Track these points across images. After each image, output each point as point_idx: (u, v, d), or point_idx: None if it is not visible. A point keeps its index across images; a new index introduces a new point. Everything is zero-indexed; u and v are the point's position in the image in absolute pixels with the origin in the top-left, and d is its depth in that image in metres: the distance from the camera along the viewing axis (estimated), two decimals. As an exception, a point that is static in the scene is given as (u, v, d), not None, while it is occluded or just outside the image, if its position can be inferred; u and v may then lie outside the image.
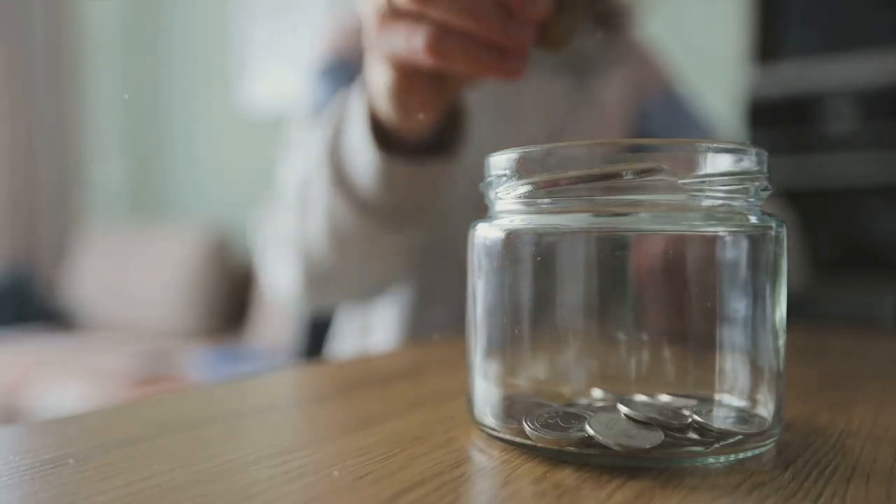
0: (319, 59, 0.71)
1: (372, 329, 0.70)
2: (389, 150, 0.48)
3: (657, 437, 0.23)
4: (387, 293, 0.66)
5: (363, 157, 0.49)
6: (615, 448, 0.23)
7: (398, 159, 0.48)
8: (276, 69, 2.53)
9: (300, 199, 0.56)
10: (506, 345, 0.27)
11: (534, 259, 0.26)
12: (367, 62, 0.45)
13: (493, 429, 0.26)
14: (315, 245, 0.57)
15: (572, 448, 0.24)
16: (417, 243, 0.60)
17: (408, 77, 0.41)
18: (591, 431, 0.23)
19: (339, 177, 0.52)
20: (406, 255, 0.60)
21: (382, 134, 0.48)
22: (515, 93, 0.70)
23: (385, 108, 0.45)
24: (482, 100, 0.72)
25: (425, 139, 0.49)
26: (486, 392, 0.27)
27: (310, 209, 0.55)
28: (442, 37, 0.35)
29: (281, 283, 0.65)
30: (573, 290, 0.25)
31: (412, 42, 0.36)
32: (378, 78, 0.43)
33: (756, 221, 0.25)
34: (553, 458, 0.24)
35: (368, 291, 0.65)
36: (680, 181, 0.24)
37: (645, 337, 0.26)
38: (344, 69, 0.68)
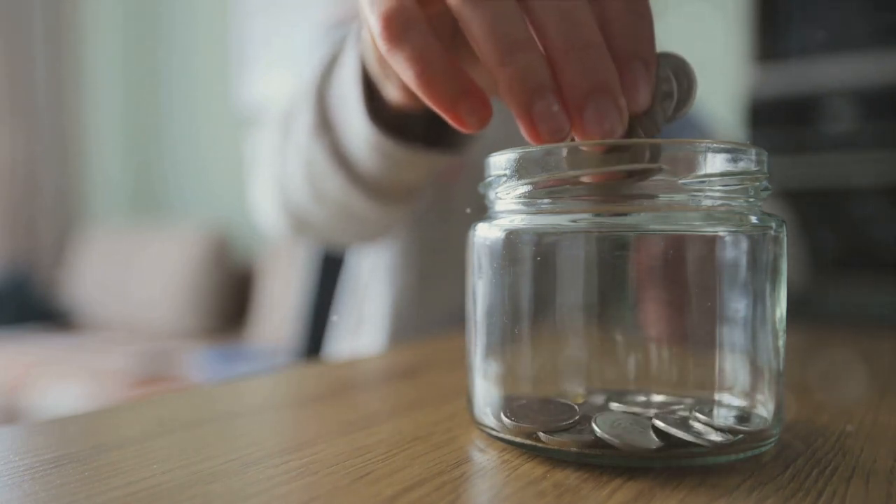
0: (322, 26, 0.69)
1: (365, 327, 0.70)
2: (382, 117, 0.41)
3: (662, 437, 0.23)
4: (376, 245, 0.63)
5: (354, 121, 0.42)
6: (623, 448, 0.23)
7: (391, 132, 0.41)
8: (275, 69, 2.53)
9: (282, 133, 0.51)
10: (506, 345, 0.27)
11: (534, 259, 0.26)
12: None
13: (493, 429, 0.26)
14: (293, 186, 0.53)
15: (573, 448, 0.24)
16: (401, 217, 0.54)
17: None
18: (598, 431, 0.23)
19: (324, 123, 0.46)
20: (388, 222, 0.54)
21: (374, 93, 0.40)
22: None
23: (377, 78, 0.38)
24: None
25: (421, 121, 0.42)
26: (486, 392, 0.27)
27: (290, 149, 0.50)
28: (407, 20, 0.26)
29: (266, 214, 0.61)
30: (573, 290, 0.25)
31: (374, 8, 0.27)
32: (365, 33, 0.36)
33: (756, 221, 0.25)
34: (553, 458, 0.24)
35: (350, 242, 0.61)
36: (680, 181, 0.24)
37: (645, 337, 0.26)
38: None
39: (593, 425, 0.24)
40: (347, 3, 0.73)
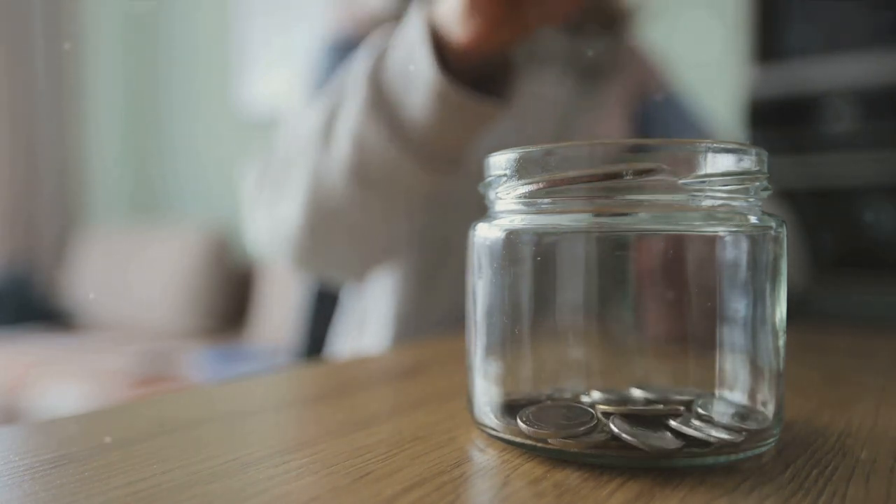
0: (325, 36, 0.70)
1: (368, 327, 0.70)
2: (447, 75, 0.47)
3: (678, 437, 0.23)
4: (378, 267, 0.63)
5: (415, 79, 0.48)
6: (643, 449, 0.23)
7: (455, 83, 0.47)
8: (275, 69, 2.54)
9: (324, 130, 0.54)
10: (506, 345, 0.27)
11: (534, 259, 0.26)
12: None
13: (493, 429, 0.26)
14: (333, 180, 0.54)
15: (573, 448, 0.24)
16: (423, 210, 0.57)
17: None
18: (615, 430, 0.23)
19: (379, 101, 0.50)
20: (417, 213, 0.57)
21: (440, 58, 0.47)
22: (521, 94, 0.70)
23: (453, 23, 0.45)
24: None
25: (480, 75, 0.48)
26: (486, 392, 0.27)
27: (334, 139, 0.53)
28: None
29: (267, 236, 0.62)
30: (573, 290, 0.25)
31: None
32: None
33: (756, 221, 0.25)
34: (553, 457, 0.24)
35: (367, 251, 0.62)
36: (680, 181, 0.24)
37: (645, 337, 0.26)
38: (351, 49, 0.68)
39: (611, 426, 0.23)
40: (345, 7, 0.74)
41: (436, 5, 0.48)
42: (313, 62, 0.69)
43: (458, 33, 0.46)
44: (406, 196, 0.56)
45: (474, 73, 0.48)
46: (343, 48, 0.68)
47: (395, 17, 0.69)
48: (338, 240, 0.58)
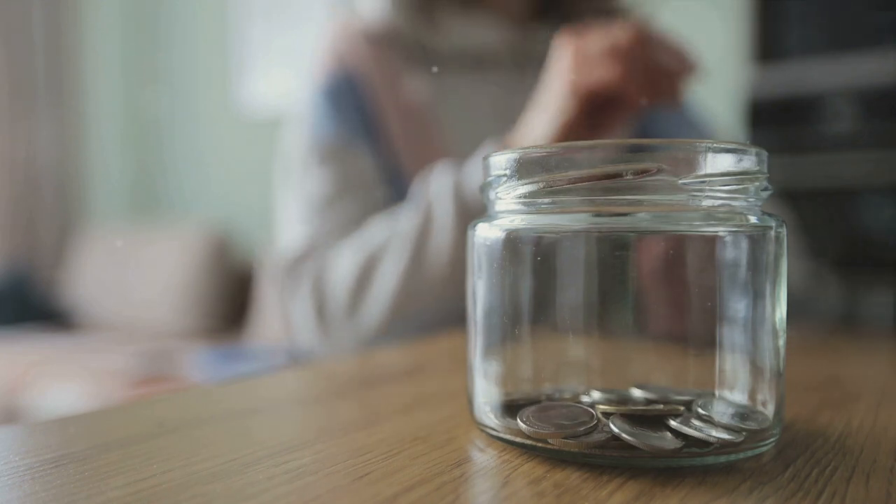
0: (321, 72, 0.72)
1: None
2: None
3: (678, 436, 0.23)
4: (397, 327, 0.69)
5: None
6: (643, 449, 0.23)
7: None
8: (275, 69, 2.53)
9: (416, 248, 0.62)
10: (506, 345, 0.27)
11: (534, 259, 0.26)
12: (533, 109, 0.56)
13: (493, 429, 0.26)
14: (424, 286, 0.62)
15: (573, 448, 0.24)
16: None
17: (581, 113, 0.51)
18: (615, 430, 0.23)
19: (467, 216, 0.59)
20: None
21: None
22: (520, 95, 0.70)
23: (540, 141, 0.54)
24: (487, 101, 0.72)
25: None
26: (486, 392, 0.27)
27: (429, 253, 0.61)
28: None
29: (323, 342, 0.67)
30: (573, 290, 0.25)
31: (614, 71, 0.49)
32: (548, 115, 0.54)
33: (756, 221, 0.25)
34: (553, 457, 0.24)
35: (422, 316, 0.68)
36: (680, 181, 0.24)
37: (645, 337, 0.26)
38: (347, 88, 0.70)
39: (611, 426, 0.23)
40: (340, 19, 0.75)
41: (516, 136, 0.58)
42: (312, 105, 0.71)
43: None
44: None
45: None
46: (341, 89, 0.72)
47: (388, 29, 0.71)
48: (405, 326, 0.65)
